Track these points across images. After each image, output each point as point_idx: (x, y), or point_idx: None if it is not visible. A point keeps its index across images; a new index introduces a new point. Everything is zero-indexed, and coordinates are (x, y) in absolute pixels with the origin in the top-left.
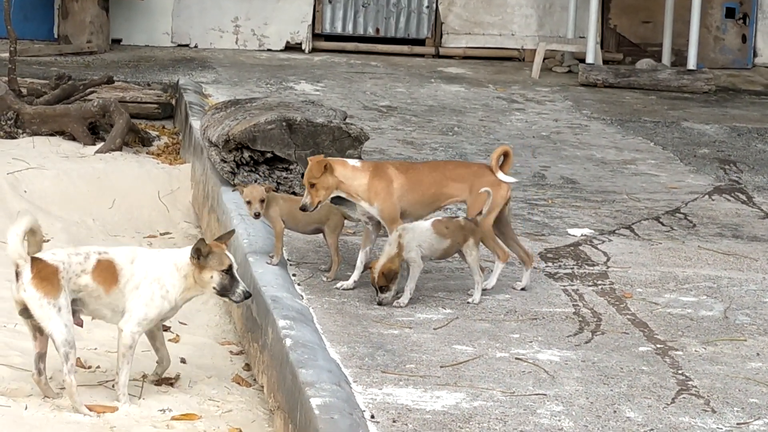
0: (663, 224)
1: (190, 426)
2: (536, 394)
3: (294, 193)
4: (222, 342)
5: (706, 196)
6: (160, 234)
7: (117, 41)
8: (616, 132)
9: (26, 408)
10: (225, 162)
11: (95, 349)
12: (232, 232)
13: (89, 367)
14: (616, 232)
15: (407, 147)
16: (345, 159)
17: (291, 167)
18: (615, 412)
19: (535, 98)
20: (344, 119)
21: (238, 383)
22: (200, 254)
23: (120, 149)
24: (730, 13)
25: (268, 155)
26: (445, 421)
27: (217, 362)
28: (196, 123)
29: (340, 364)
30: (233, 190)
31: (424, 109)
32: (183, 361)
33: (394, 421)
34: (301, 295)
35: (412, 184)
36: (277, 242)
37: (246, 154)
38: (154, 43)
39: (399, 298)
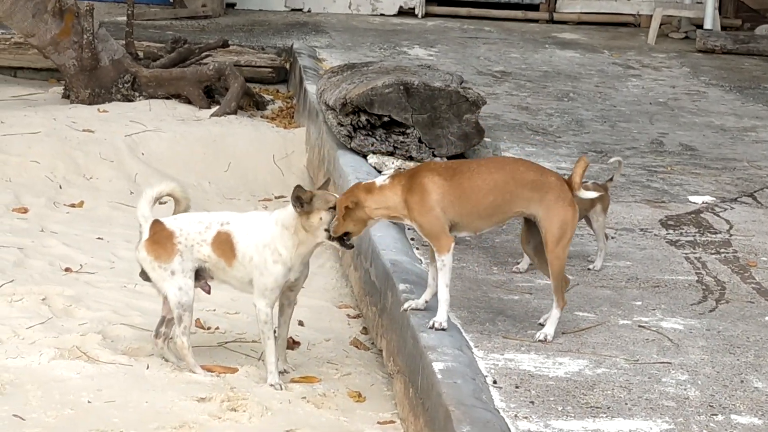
0: None
1: (310, 389)
2: (660, 363)
3: (420, 160)
4: (339, 305)
5: None
6: (275, 197)
7: (231, 5)
8: (735, 99)
9: (148, 368)
10: (342, 125)
11: (214, 310)
12: (329, 180)
13: (208, 328)
14: (738, 200)
15: (522, 112)
16: (372, 182)
17: (408, 131)
18: (742, 381)
19: (651, 64)
20: (461, 83)
21: (356, 347)
22: (302, 201)
23: (235, 113)
24: None
25: (385, 119)
26: (568, 387)
27: (335, 325)
28: (311, 87)
29: (461, 329)
30: None
31: (538, 74)
32: (301, 323)
33: (516, 387)
34: (420, 259)
35: (460, 192)
36: None
37: (363, 118)
38: (267, 8)
39: (518, 264)
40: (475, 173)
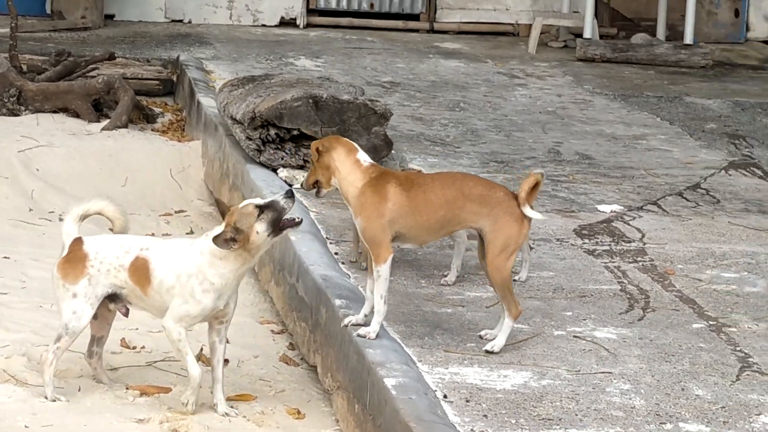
0: (687, 200)
1: (247, 407)
2: (601, 372)
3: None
4: (261, 321)
5: (723, 171)
6: (175, 212)
7: (110, 17)
8: (620, 107)
9: (79, 389)
10: (250, 139)
11: (137, 329)
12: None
13: (134, 348)
14: (644, 208)
15: (417, 123)
16: (356, 148)
17: None
18: (683, 389)
19: (534, 73)
20: (361, 95)
21: (286, 363)
22: (234, 238)
23: (126, 126)
24: None
25: (294, 132)
26: (517, 400)
27: (260, 341)
28: (205, 99)
29: (401, 344)
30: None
31: (426, 84)
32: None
33: (467, 401)
34: (348, 274)
35: (414, 205)
36: None
37: (272, 132)
38: (147, 19)
39: (446, 276)
40: (429, 187)
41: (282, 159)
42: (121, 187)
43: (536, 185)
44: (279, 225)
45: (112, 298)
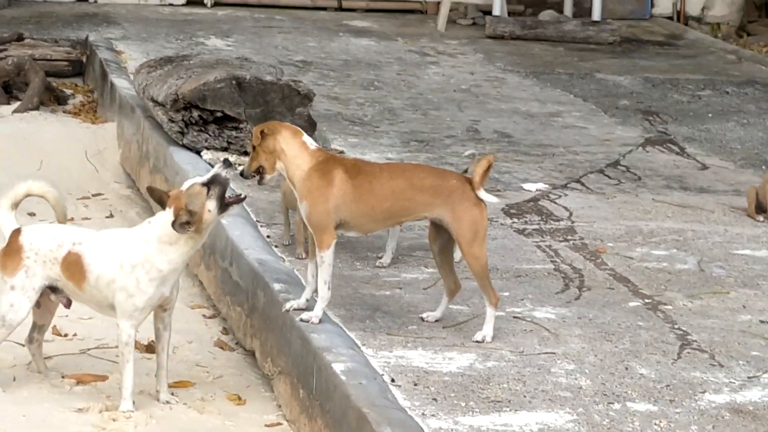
0: (609, 177)
1: (186, 393)
2: (545, 353)
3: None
4: (192, 305)
5: (640, 148)
6: (93, 195)
7: None
8: (533, 84)
9: (14, 379)
10: (173, 122)
11: (67, 315)
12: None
13: (65, 335)
14: (568, 186)
15: (333, 102)
16: (302, 132)
17: (241, 126)
18: (627, 369)
19: (446, 51)
20: (282, 75)
21: (221, 348)
22: (188, 221)
23: (37, 108)
24: None
25: (218, 114)
26: (465, 382)
27: (193, 326)
28: (118, 81)
29: (344, 328)
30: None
31: (339, 63)
32: None
33: (415, 385)
34: (282, 258)
35: (359, 194)
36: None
37: (195, 114)
38: None
39: (381, 258)
40: (376, 177)
41: (206, 141)
42: (36, 170)
43: (488, 168)
44: (224, 201)
45: (53, 289)
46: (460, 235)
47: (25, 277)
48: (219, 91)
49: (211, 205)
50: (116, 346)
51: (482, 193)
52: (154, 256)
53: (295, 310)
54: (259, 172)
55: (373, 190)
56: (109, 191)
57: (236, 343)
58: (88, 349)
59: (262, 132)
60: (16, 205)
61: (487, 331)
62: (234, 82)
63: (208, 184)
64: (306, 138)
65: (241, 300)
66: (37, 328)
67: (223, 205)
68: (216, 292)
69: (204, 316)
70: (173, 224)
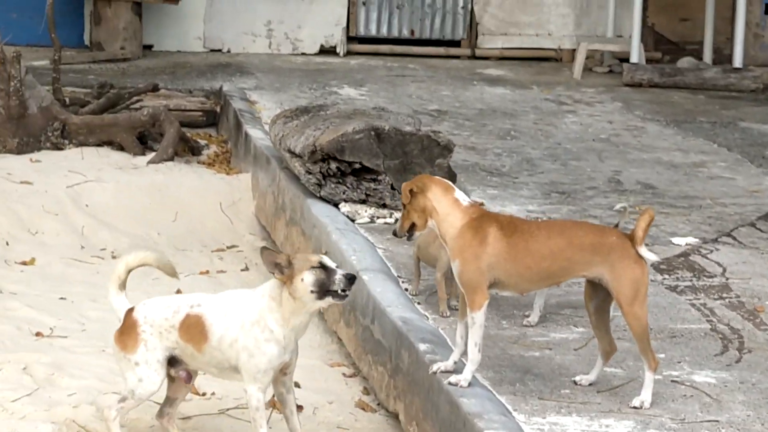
0: (762, 231)
1: None
2: (708, 421)
3: (394, 208)
4: (331, 363)
5: None
6: (227, 247)
7: (148, 47)
8: (675, 134)
9: None
10: (310, 173)
11: (204, 373)
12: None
13: (203, 394)
14: (719, 240)
15: (470, 152)
16: (453, 187)
17: (379, 178)
18: None
19: (582, 99)
20: (420, 126)
21: (363, 409)
22: (280, 266)
23: (171, 159)
24: None
25: (356, 166)
26: None
27: (333, 386)
28: (253, 131)
29: (493, 392)
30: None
31: (474, 112)
32: (297, 385)
33: None
34: (426, 316)
35: (514, 253)
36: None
37: (333, 165)
38: (186, 49)
39: (528, 317)
40: (533, 235)
41: (343, 193)
42: (171, 222)
43: (650, 222)
44: (325, 289)
45: (172, 362)
46: (620, 294)
47: (146, 350)
48: (357, 142)
49: (308, 278)
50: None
51: (643, 250)
52: (266, 313)
53: (442, 372)
54: (411, 229)
55: (529, 249)
56: (244, 243)
57: (378, 404)
58: (227, 409)
59: (411, 190)
60: (123, 285)
61: (645, 396)
62: (373, 133)
63: (322, 265)
64: (458, 193)
65: (384, 359)
66: (169, 402)
67: (322, 292)
68: (356, 350)
69: (344, 374)
70: (264, 255)
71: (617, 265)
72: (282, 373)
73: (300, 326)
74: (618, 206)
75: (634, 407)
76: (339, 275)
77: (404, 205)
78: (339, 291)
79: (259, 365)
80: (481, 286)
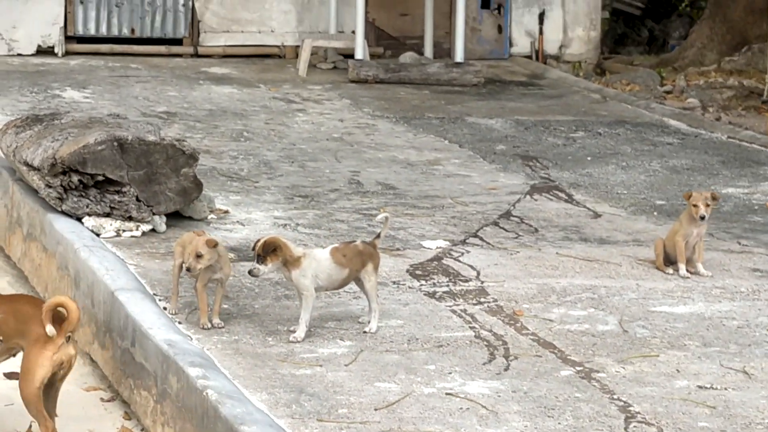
0: (506, 230)
1: None
2: None
3: (140, 220)
4: (86, 388)
5: (528, 197)
6: None
7: None
8: (406, 130)
9: None
10: (51, 187)
11: None
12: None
13: None
14: (467, 241)
15: (206, 156)
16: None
17: (124, 190)
18: None
19: (311, 97)
20: (160, 132)
21: None
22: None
23: None
24: (485, 3)
25: (99, 178)
26: None
27: (90, 412)
28: None
29: (271, 416)
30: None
31: (204, 113)
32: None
33: None
34: (189, 336)
35: None
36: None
37: (75, 178)
38: None
39: (294, 333)
40: None
41: (87, 207)
42: None
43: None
44: None
45: None
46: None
47: None
48: (100, 153)
49: None
50: None
51: (49, 328)
52: None
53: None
54: None
55: None
56: None
57: (142, 430)
58: None
59: None
60: None
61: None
62: (116, 143)
63: None
64: None
65: (149, 384)
66: None
67: None
68: (115, 374)
69: (102, 399)
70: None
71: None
72: None
73: None
74: (380, 216)
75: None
76: None
77: None
78: None
79: None
80: None
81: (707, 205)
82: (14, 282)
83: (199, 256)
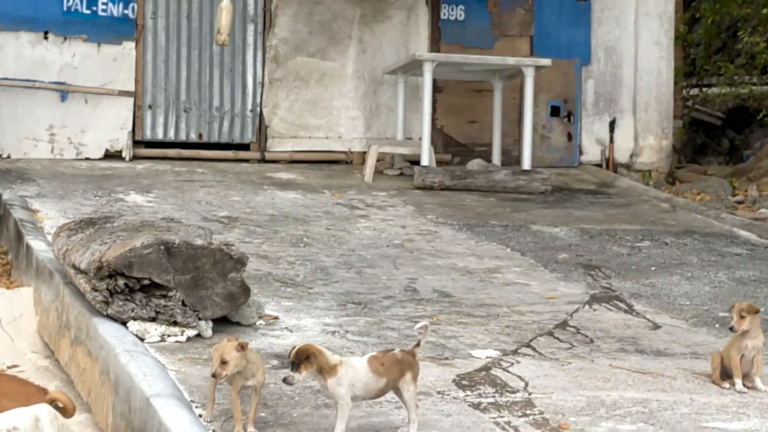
0: (560, 340)
1: None
2: None
3: (185, 325)
4: None
5: (587, 306)
6: (8, 367)
7: None
8: (468, 238)
9: None
10: (96, 291)
11: None
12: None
13: None
14: (519, 351)
15: (262, 261)
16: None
17: (170, 294)
18: None
19: (375, 203)
20: (211, 237)
21: None
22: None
23: None
24: (555, 111)
25: (145, 282)
26: None
27: None
28: (35, 243)
29: None
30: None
31: (265, 218)
32: None
33: None
34: None
35: None
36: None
37: (120, 282)
38: None
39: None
40: None
41: (132, 311)
42: None
43: None
44: None
45: None
46: None
47: None
48: (146, 257)
49: None
50: None
51: None
52: None
53: None
54: None
55: None
56: (26, 362)
57: None
58: None
59: None
60: None
61: None
62: (162, 247)
63: None
64: None
65: None
66: None
67: None
68: None
69: None
70: None
71: None
72: None
73: None
74: (419, 325)
75: None
76: None
77: None
78: None
79: None
80: None
81: (741, 317)
82: (62, 386)
83: (224, 362)
